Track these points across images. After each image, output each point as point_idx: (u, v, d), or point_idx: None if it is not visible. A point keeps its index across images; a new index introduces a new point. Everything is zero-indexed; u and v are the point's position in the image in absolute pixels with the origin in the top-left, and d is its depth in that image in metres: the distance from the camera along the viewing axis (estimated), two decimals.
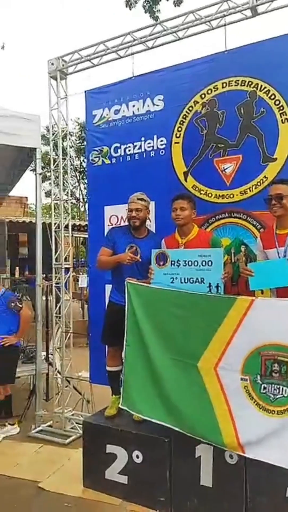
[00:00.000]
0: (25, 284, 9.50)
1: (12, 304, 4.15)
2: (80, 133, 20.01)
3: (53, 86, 4.26)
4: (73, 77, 4.33)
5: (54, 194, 4.49)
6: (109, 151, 4.04)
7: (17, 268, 9.80)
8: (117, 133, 3.99)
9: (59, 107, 4.25)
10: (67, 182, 4.43)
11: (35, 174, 4.44)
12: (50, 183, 10.38)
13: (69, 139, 4.43)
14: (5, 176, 6.22)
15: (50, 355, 4.82)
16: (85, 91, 4.15)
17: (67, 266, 4.42)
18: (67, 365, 4.31)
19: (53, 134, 4.37)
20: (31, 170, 5.99)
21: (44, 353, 4.84)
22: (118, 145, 3.98)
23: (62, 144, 4.33)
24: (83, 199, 22.79)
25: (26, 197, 19.21)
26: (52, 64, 4.17)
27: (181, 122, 3.66)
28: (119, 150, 3.99)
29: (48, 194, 20.75)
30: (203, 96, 3.55)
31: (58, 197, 4.36)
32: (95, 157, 4.13)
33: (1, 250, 5.21)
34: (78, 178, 23.03)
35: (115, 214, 4.02)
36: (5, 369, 4.10)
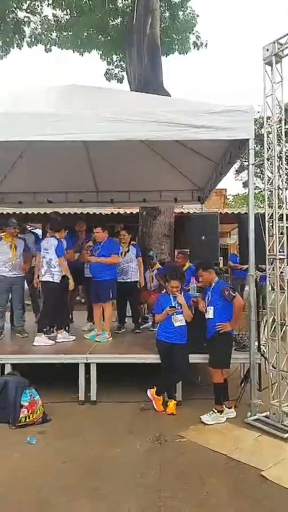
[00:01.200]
0: (225, 274, 9.71)
1: (226, 292, 4.29)
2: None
3: (267, 72, 4.16)
4: None
5: (267, 183, 4.38)
6: None
7: (221, 258, 10.10)
8: None
9: (273, 93, 4.12)
10: (282, 169, 4.27)
11: (248, 165, 4.44)
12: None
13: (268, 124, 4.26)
14: (214, 170, 6.48)
15: (261, 346, 4.79)
16: None
17: (281, 256, 4.27)
18: (283, 359, 4.18)
19: (267, 121, 4.26)
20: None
21: (256, 343, 4.83)
22: None
23: (279, 130, 4.19)
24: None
25: (225, 189, 19.67)
26: (267, 50, 4.06)
27: None
28: None
29: (245, 184, 20.55)
30: None
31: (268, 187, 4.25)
32: None
33: (215, 242, 5.44)
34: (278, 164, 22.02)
35: None
36: (223, 355, 4.31)
